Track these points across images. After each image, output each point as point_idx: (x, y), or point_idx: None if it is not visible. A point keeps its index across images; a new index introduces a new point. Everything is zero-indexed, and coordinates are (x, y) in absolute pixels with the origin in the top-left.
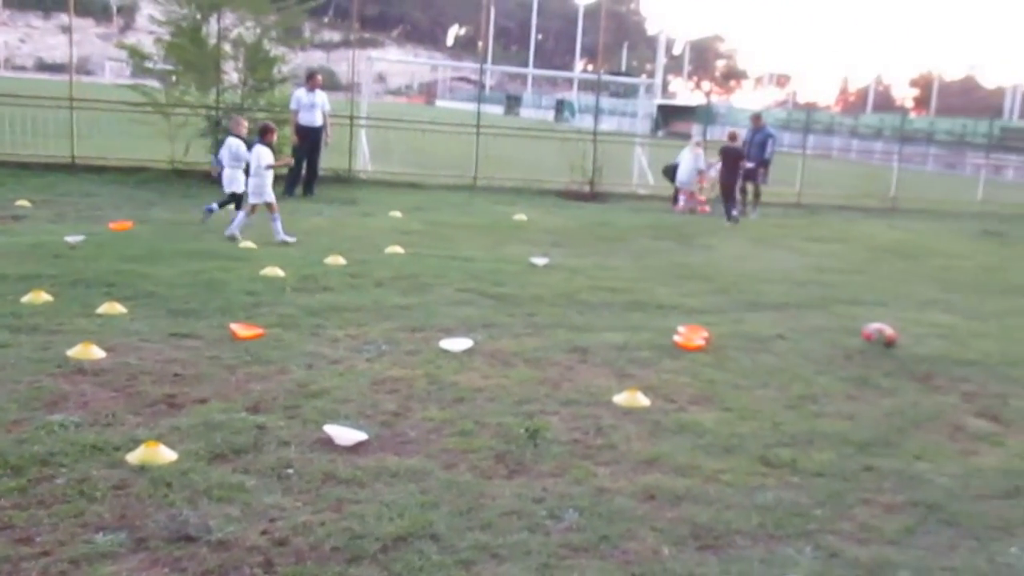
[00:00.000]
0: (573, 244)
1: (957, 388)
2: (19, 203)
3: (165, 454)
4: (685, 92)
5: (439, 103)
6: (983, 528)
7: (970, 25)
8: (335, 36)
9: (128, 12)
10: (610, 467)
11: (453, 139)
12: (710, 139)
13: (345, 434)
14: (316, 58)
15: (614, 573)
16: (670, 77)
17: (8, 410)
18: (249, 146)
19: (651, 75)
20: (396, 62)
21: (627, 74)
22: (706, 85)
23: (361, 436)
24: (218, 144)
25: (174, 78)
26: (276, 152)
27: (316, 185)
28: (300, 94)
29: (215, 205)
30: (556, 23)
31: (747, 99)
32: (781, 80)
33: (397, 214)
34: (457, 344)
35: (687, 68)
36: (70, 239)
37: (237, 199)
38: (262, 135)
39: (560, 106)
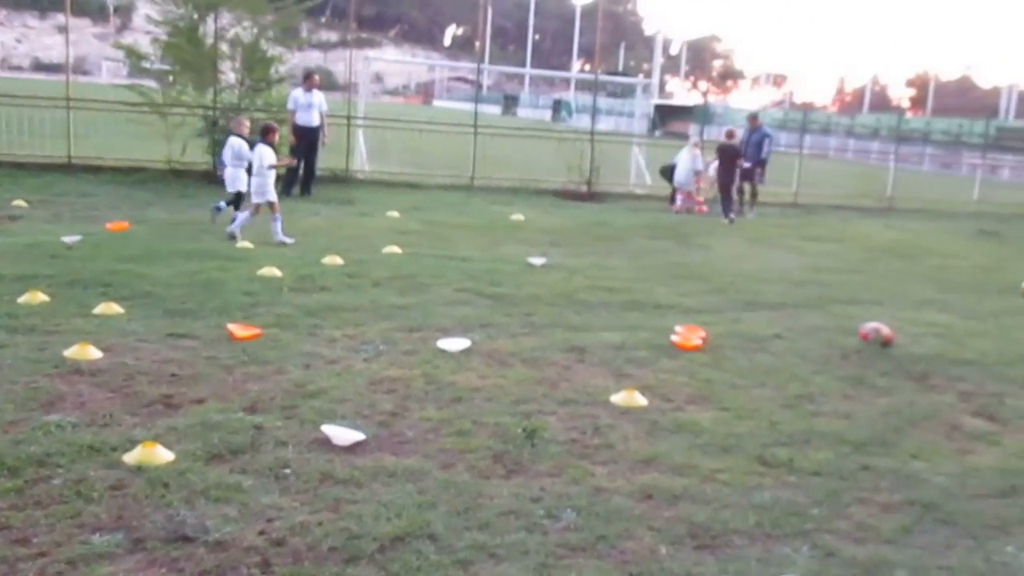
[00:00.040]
0: (570, 244)
1: (953, 387)
2: (15, 203)
3: (162, 454)
4: (682, 92)
5: (436, 103)
6: (979, 527)
7: (966, 25)
8: (332, 36)
9: (125, 12)
10: (607, 467)
11: (450, 139)
12: (707, 139)
13: (342, 434)
14: (313, 58)
15: (612, 573)
16: (667, 77)
17: (5, 411)
18: (251, 145)
19: (648, 75)
20: (393, 62)
21: (624, 74)
22: (703, 85)
23: (358, 436)
24: (216, 144)
25: (171, 78)
26: (276, 152)
27: (313, 185)
28: (297, 94)
29: (223, 203)
30: (553, 23)
31: (744, 99)
32: (778, 80)
33: (394, 214)
34: (454, 344)
35: (684, 68)
36: (67, 239)
37: (239, 198)
38: (264, 135)
39: (557, 106)
